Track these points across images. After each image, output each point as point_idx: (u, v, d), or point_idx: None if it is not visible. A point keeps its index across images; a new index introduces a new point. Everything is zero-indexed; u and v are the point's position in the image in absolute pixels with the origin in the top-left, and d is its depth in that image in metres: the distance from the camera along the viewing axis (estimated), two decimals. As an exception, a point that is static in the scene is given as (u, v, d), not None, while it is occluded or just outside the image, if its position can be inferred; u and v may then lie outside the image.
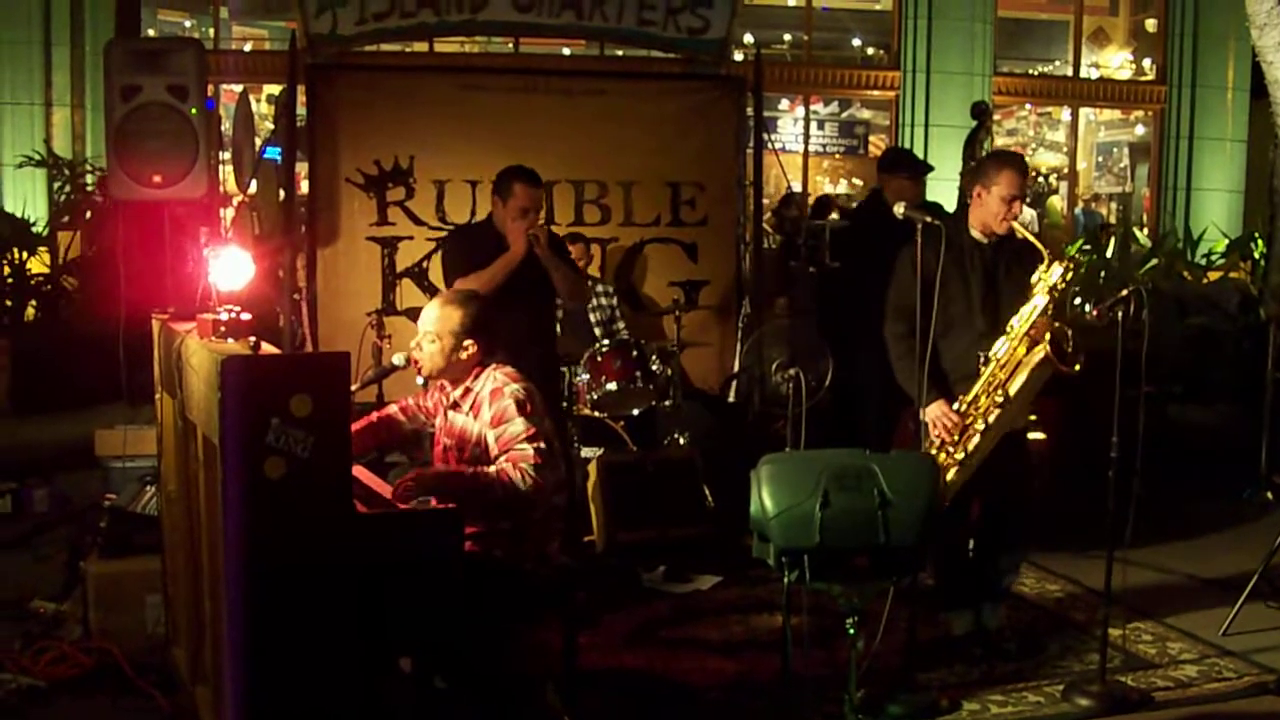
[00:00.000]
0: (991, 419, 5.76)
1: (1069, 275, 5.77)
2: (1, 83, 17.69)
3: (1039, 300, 5.72)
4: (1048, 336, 5.67)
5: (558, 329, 7.73)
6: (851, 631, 4.94)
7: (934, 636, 6.09)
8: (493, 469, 4.83)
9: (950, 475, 5.79)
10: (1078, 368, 5.72)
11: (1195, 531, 8.34)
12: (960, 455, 5.79)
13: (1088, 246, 15.20)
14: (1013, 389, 5.73)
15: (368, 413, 5.56)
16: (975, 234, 5.98)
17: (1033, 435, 6.09)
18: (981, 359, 5.79)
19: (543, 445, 4.90)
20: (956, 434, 5.78)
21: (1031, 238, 5.94)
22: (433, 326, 5.07)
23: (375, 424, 5.45)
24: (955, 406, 5.81)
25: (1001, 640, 6.10)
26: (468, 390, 5.08)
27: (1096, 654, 5.72)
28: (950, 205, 8.69)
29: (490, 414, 4.95)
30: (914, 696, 5.45)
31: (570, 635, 5.07)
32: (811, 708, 5.33)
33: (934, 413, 5.81)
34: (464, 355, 5.05)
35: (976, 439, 5.77)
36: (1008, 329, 5.77)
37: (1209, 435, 9.89)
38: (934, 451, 5.81)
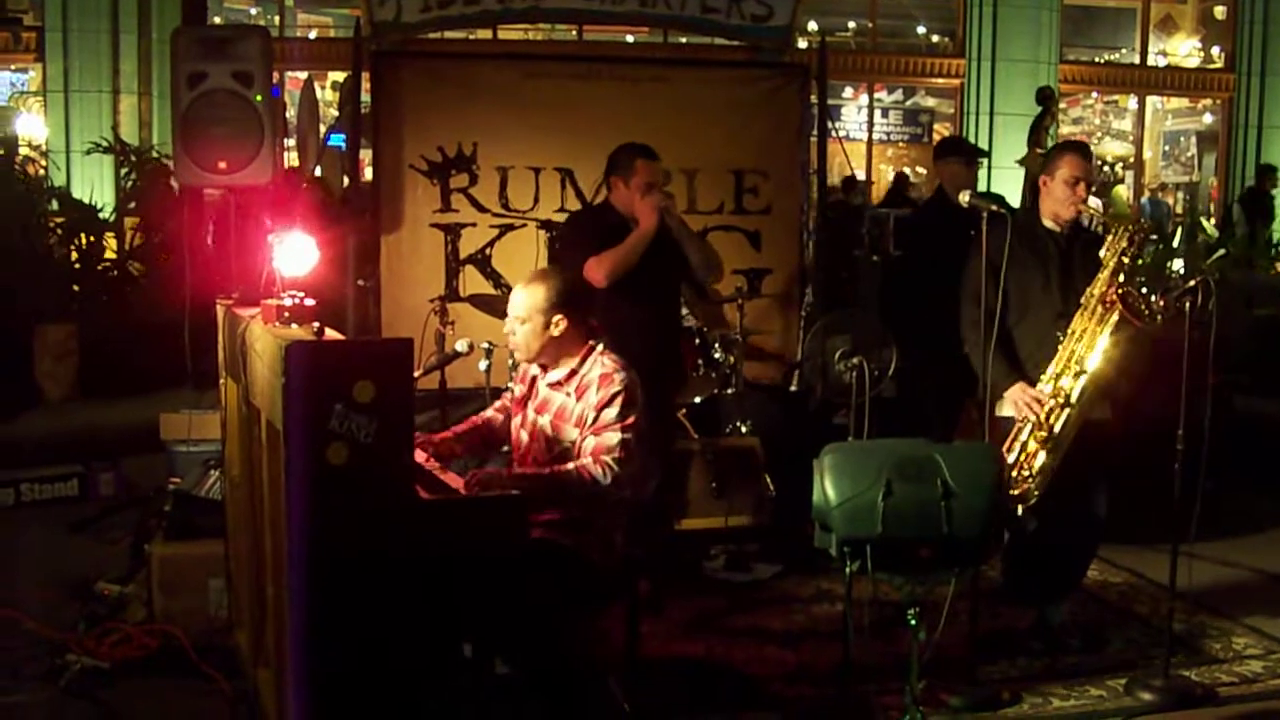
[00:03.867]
0: (1074, 395, 5.71)
1: (1137, 239, 5.74)
2: (70, 70, 17.89)
3: (1110, 268, 5.69)
4: (1118, 296, 5.63)
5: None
6: (913, 622, 4.91)
7: (996, 628, 6.05)
8: (571, 465, 4.83)
9: (1041, 460, 5.74)
10: (1159, 319, 5.67)
11: (1261, 525, 8.27)
12: (1047, 435, 5.74)
13: (1154, 236, 15.06)
14: (1091, 360, 5.69)
15: (430, 400, 5.55)
16: (1047, 223, 5.97)
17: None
18: (1060, 340, 5.76)
19: (631, 438, 4.89)
20: (1043, 412, 5.73)
21: (1098, 214, 5.90)
22: (519, 310, 5.04)
23: (479, 426, 5.42)
24: (1038, 387, 5.77)
25: (1064, 634, 6.06)
26: (573, 372, 5.05)
27: (1160, 648, 5.68)
28: (1015, 193, 8.64)
29: (597, 396, 4.92)
30: (975, 688, 5.43)
31: (633, 624, 5.07)
32: (872, 699, 5.31)
33: (1016, 394, 5.76)
34: (556, 332, 5.00)
35: (1064, 417, 5.72)
36: (1083, 302, 5.74)
37: (1276, 427, 9.77)
38: (1023, 435, 5.77)
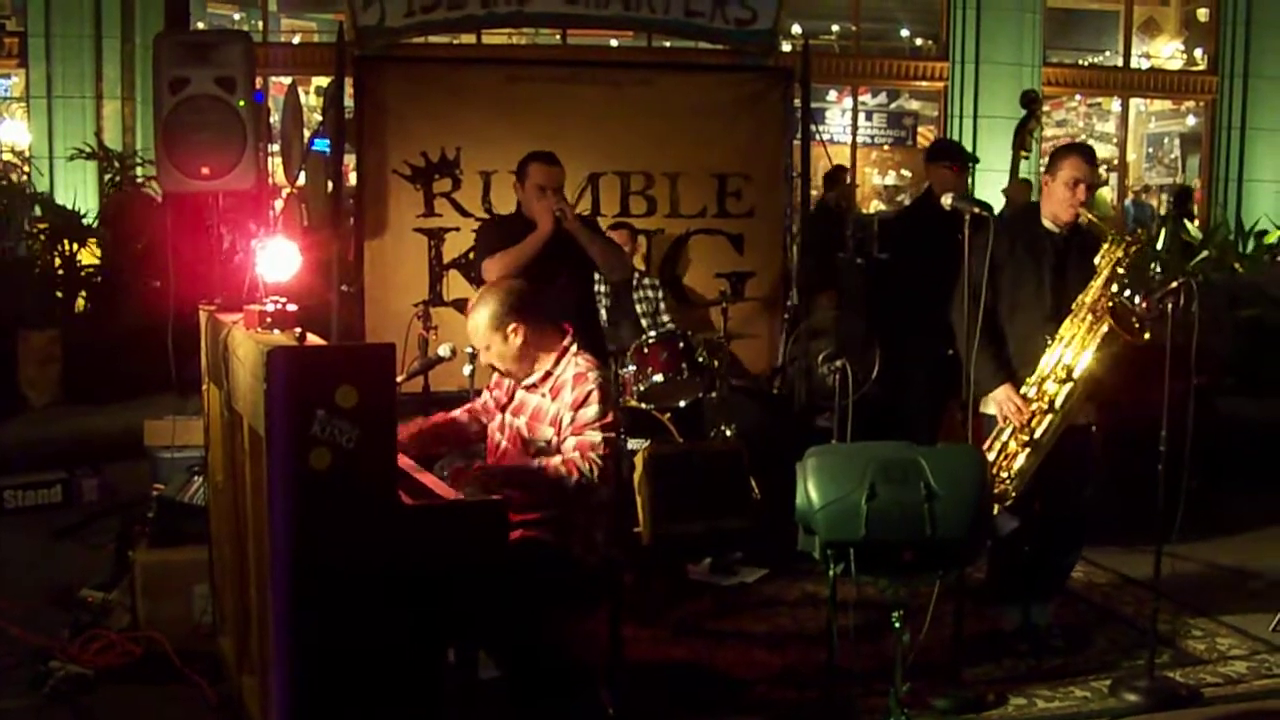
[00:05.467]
0: (1059, 400, 5.73)
1: (1133, 250, 5.76)
2: (54, 76, 17.85)
3: (1103, 278, 5.71)
4: (1109, 308, 5.65)
5: (602, 315, 7.67)
6: (897, 625, 4.91)
7: (981, 631, 6.06)
8: (557, 459, 4.86)
9: (1020, 461, 5.78)
10: (1147, 336, 5.70)
11: (1245, 526, 8.26)
12: (1029, 439, 5.76)
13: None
14: (1078, 367, 5.71)
15: (414, 405, 5.55)
16: (1047, 223, 5.99)
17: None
18: (1049, 342, 5.78)
19: (613, 436, 4.95)
20: (1025, 417, 5.75)
21: (1095, 219, 5.93)
22: (478, 340, 5.13)
23: (447, 423, 5.46)
24: (1022, 390, 5.80)
25: (1049, 636, 6.07)
26: (548, 374, 5.12)
27: (1144, 649, 5.68)
28: (998, 196, 8.66)
29: (572, 396, 4.99)
30: (961, 691, 5.44)
31: (616, 627, 5.07)
32: (857, 701, 5.32)
33: (1000, 397, 5.80)
34: (518, 340, 5.06)
35: (1046, 422, 5.75)
36: (1073, 309, 5.76)
37: (1260, 428, 9.78)
38: (1004, 436, 5.80)
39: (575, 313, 6.60)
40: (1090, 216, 5.93)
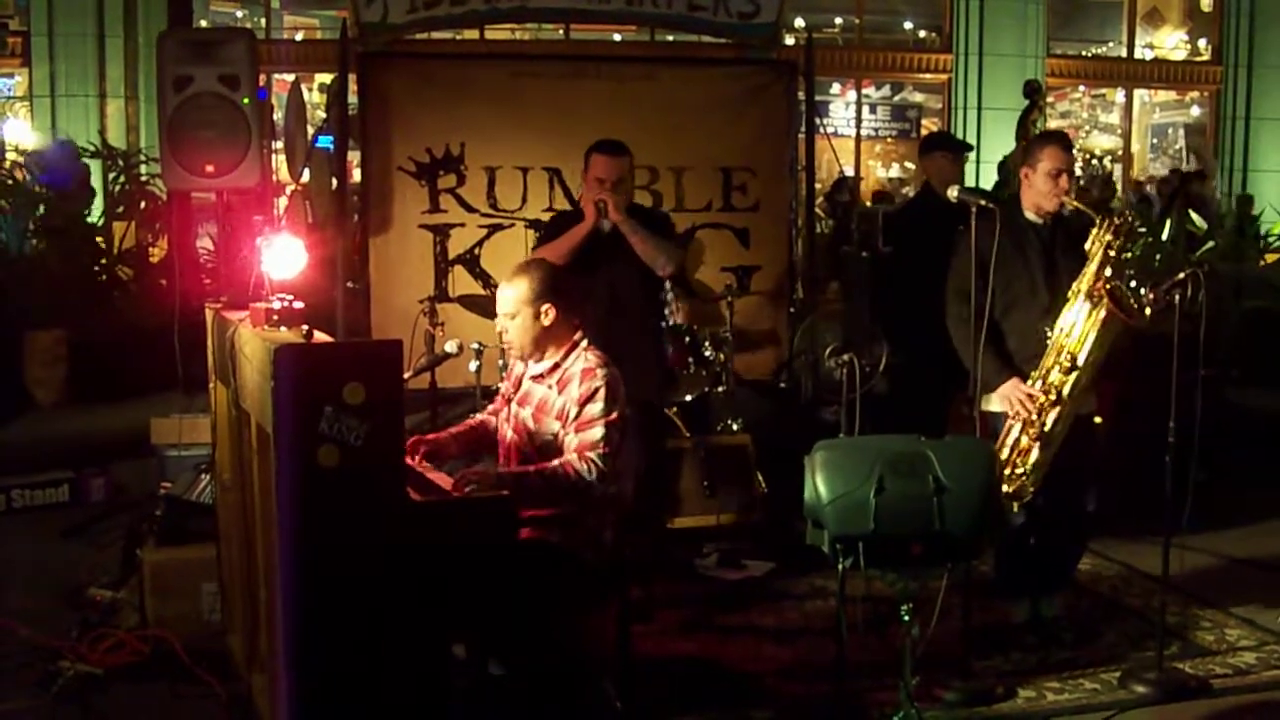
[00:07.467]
0: (1066, 390, 5.72)
1: (1123, 230, 5.73)
2: (57, 75, 17.89)
3: (1096, 262, 5.69)
4: (1106, 291, 5.63)
5: (662, 302, 7.55)
6: (906, 618, 4.91)
7: (990, 623, 6.04)
8: (557, 463, 4.84)
9: (1035, 455, 5.75)
10: (1148, 313, 5.68)
11: (1253, 516, 8.25)
12: (1039, 432, 5.75)
13: (1142, 229, 15.07)
14: (1081, 355, 5.69)
15: (421, 401, 5.54)
16: (1029, 215, 5.97)
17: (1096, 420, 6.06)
18: (1047, 334, 5.76)
19: (614, 434, 4.93)
20: (1035, 409, 5.74)
21: (1080, 205, 5.90)
22: (508, 306, 5.05)
23: (474, 427, 5.44)
24: (1028, 384, 5.78)
25: (1058, 628, 6.06)
26: (556, 366, 5.07)
27: (1153, 641, 5.67)
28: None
29: (579, 391, 4.95)
30: (970, 684, 5.42)
31: (625, 622, 5.06)
32: (866, 695, 5.31)
33: (1008, 391, 5.77)
34: (546, 321, 5.01)
35: (1055, 413, 5.73)
36: (1069, 297, 5.74)
37: (1267, 419, 9.78)
38: (1014, 433, 5.78)
39: (616, 306, 6.51)
40: (1075, 203, 5.91)
